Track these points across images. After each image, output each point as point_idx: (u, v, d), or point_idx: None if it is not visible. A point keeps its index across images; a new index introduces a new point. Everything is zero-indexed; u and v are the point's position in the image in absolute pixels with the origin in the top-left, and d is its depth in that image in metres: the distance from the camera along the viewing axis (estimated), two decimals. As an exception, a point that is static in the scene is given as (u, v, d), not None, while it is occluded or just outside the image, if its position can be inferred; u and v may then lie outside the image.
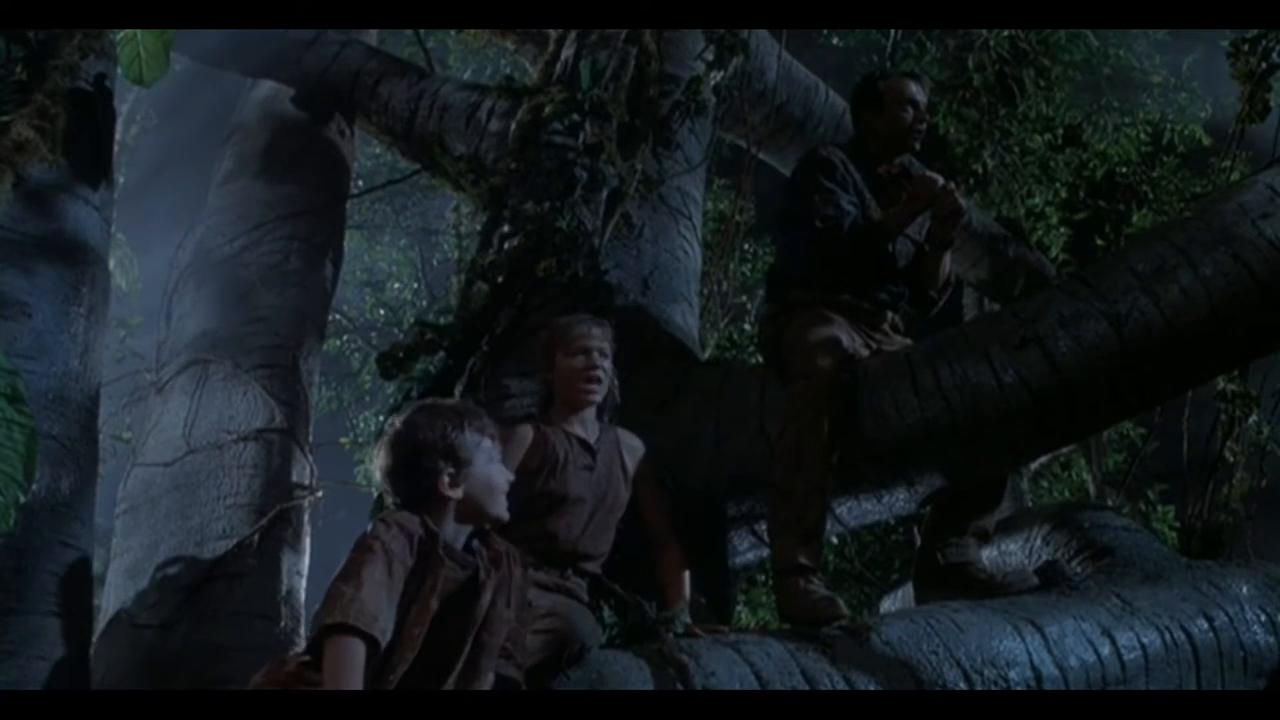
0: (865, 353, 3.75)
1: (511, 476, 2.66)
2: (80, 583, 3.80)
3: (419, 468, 2.52)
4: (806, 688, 2.90)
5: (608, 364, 3.47)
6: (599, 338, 3.46)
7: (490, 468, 2.59)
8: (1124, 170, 9.90)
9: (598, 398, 3.44)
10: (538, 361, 3.56)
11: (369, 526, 2.44)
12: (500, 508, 2.59)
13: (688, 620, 3.24)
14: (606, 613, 3.22)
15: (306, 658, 2.37)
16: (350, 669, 2.25)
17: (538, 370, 3.58)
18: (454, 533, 2.55)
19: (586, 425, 3.45)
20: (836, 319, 3.74)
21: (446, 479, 2.52)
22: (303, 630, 4.64)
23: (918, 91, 4.05)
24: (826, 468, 3.48)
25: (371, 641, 2.27)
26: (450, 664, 2.47)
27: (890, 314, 3.96)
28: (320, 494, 5.22)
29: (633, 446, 3.52)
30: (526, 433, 3.33)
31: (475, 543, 2.59)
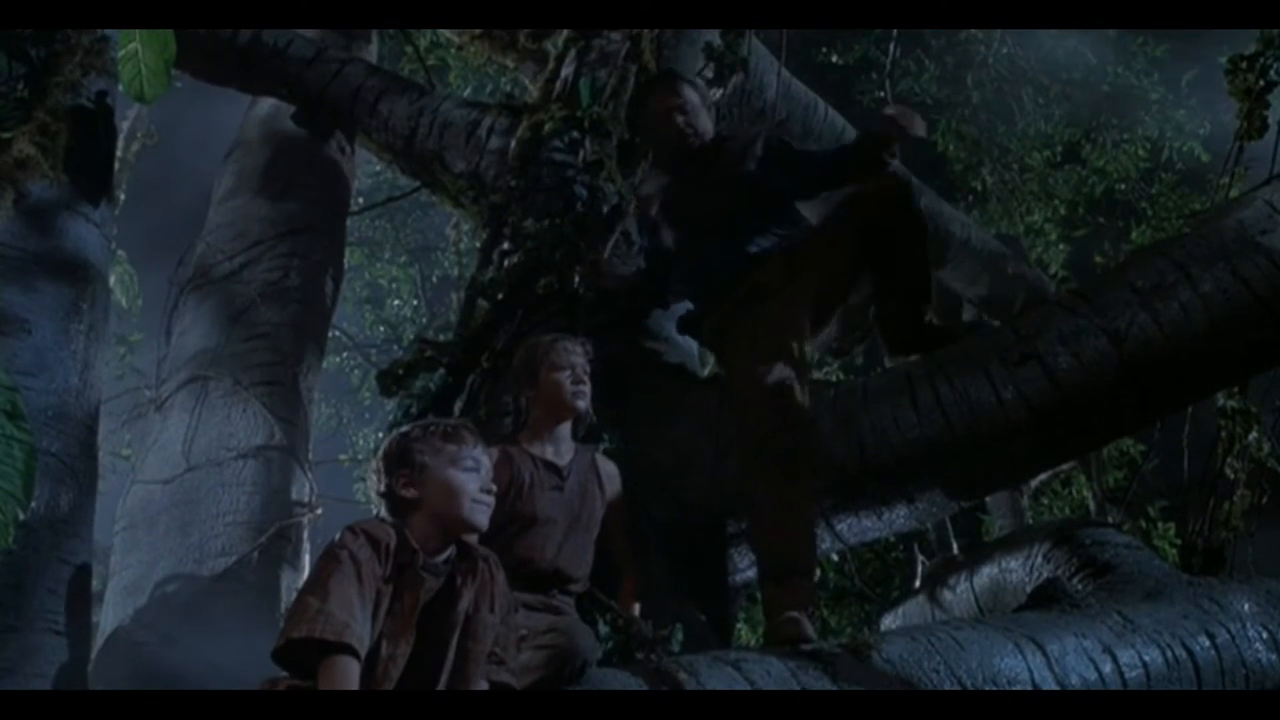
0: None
1: (484, 485, 2.63)
2: (79, 600, 3.79)
3: (384, 478, 2.60)
4: (807, 705, 2.88)
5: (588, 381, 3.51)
6: (581, 355, 3.51)
7: (448, 471, 2.58)
8: (1123, 187, 9.92)
9: (585, 404, 3.48)
10: (516, 380, 3.56)
11: (336, 535, 2.45)
12: (466, 511, 2.56)
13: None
14: (602, 627, 3.21)
15: (299, 681, 2.35)
16: (341, 685, 2.24)
17: (514, 389, 3.58)
18: (435, 545, 2.55)
19: (559, 445, 3.44)
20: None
21: (401, 481, 2.57)
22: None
23: (667, 95, 4.18)
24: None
25: (347, 649, 2.26)
26: (435, 675, 2.46)
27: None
28: (320, 511, 5.22)
29: (610, 473, 3.52)
30: (491, 455, 3.34)
31: (451, 550, 2.59)
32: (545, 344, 3.54)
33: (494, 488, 2.65)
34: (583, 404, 3.47)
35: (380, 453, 2.65)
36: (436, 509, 2.56)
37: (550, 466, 3.37)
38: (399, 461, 2.60)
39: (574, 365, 3.47)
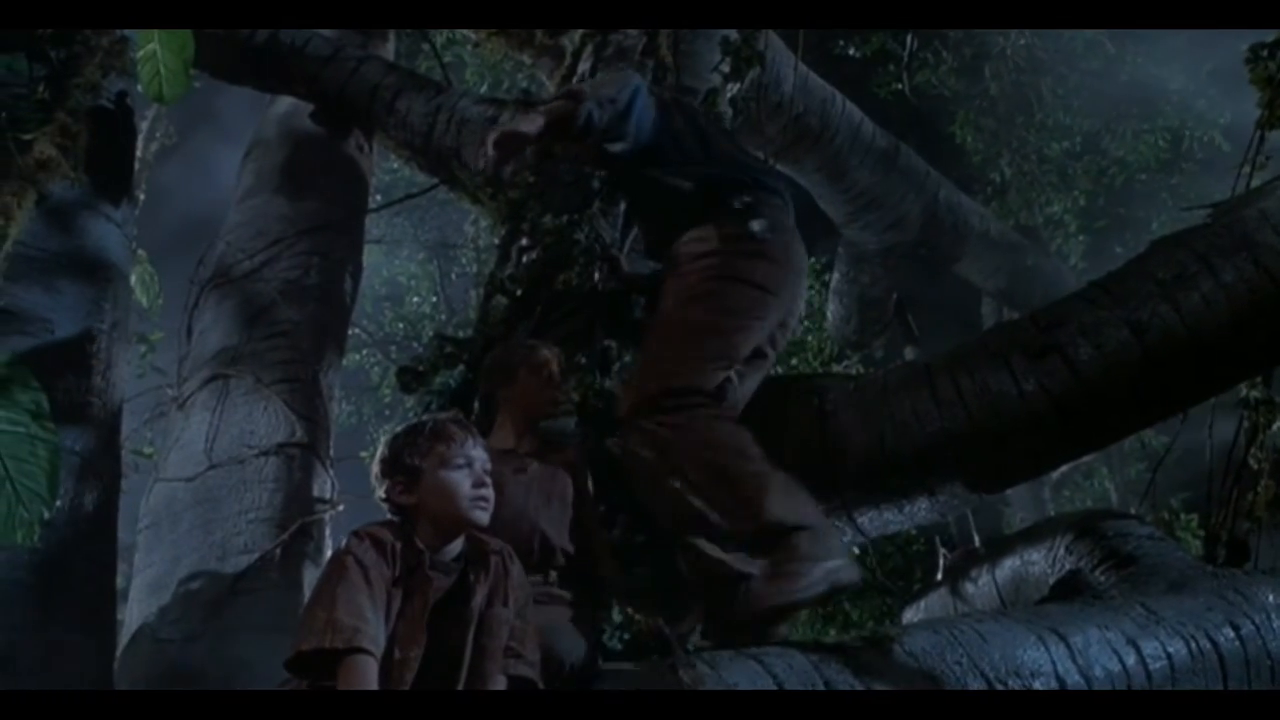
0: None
1: (477, 480, 2.63)
2: (103, 597, 3.82)
3: (381, 485, 2.62)
4: (829, 699, 2.88)
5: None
6: (556, 362, 3.55)
7: (439, 474, 2.58)
8: (1143, 177, 9.87)
9: (554, 410, 3.52)
10: (491, 376, 3.56)
11: (342, 542, 2.46)
12: (464, 511, 2.56)
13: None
14: (616, 614, 3.21)
15: (322, 683, 2.36)
16: (362, 686, 2.25)
17: (487, 385, 3.58)
18: (441, 544, 2.56)
19: (521, 439, 3.47)
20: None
21: (398, 488, 2.59)
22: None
23: None
24: None
25: (360, 652, 2.27)
26: (453, 674, 2.46)
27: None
28: (341, 508, 5.23)
29: (571, 453, 3.55)
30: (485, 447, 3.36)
31: (462, 544, 2.60)
32: (526, 347, 3.58)
33: (488, 480, 2.64)
34: (552, 410, 3.51)
35: (376, 458, 2.67)
36: (434, 512, 2.57)
37: (507, 453, 3.40)
38: (392, 468, 2.61)
39: (552, 371, 3.50)
